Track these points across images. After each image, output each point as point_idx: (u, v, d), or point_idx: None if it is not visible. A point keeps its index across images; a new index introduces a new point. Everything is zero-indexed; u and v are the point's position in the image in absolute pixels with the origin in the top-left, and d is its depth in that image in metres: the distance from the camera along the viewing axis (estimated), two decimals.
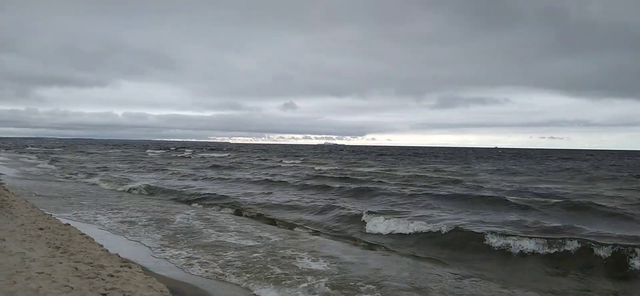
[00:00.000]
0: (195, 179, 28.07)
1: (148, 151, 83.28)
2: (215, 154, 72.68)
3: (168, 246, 10.29)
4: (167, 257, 9.39)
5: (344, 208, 15.94)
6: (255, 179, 27.36)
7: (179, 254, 9.63)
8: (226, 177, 29.47)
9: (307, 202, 18.08)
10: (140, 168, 37.61)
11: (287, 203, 17.78)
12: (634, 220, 13.73)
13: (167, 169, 35.35)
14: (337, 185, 23.52)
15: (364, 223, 13.60)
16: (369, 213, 14.37)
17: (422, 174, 33.14)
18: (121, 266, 7.15)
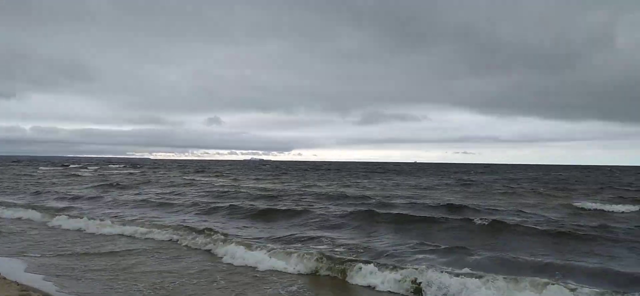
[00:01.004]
0: (73, 200, 24.29)
1: (41, 167, 74.46)
2: (123, 171, 66.39)
3: None
4: None
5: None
6: (139, 199, 24.10)
7: None
8: (100, 196, 26.01)
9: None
10: (9, 188, 32.29)
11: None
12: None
13: (49, 190, 30.38)
14: (227, 204, 21.31)
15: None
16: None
17: (328, 191, 31.48)
18: None
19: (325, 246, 12.27)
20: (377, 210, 18.50)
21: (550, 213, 19.33)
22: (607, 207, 20.84)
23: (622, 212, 19.61)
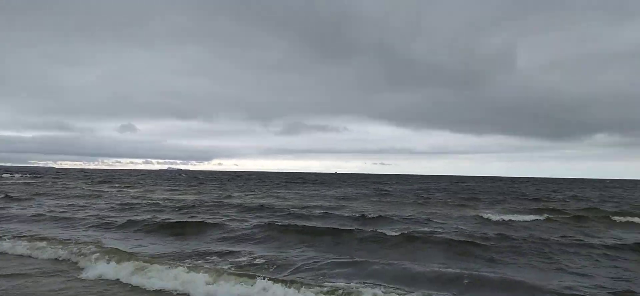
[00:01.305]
0: None
1: None
2: (19, 181, 59.46)
3: None
4: None
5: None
6: (31, 214, 21.30)
7: None
8: None
9: None
10: None
11: None
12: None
13: None
14: (134, 217, 19.57)
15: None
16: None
17: (242, 203, 30.60)
18: None
19: (239, 259, 11.55)
20: (295, 222, 18.08)
21: (459, 223, 20.14)
22: (508, 217, 22.21)
23: (522, 221, 20.97)
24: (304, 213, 23.22)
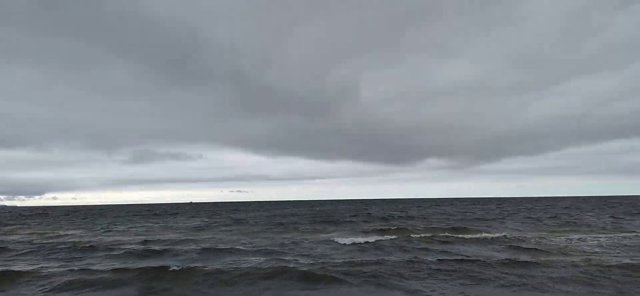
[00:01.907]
0: None
1: None
2: None
3: None
4: None
5: None
6: None
7: None
8: None
9: None
10: None
11: None
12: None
13: None
14: None
15: None
16: None
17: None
18: None
19: None
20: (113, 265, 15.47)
21: (317, 247, 19.69)
22: (359, 239, 22.68)
23: (366, 242, 21.51)
24: (138, 249, 20.38)
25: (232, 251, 19.11)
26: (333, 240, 22.88)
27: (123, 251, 20.21)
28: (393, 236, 23.99)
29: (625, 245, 19.26)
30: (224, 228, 34.52)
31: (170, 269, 14.01)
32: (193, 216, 57.36)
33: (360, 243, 21.21)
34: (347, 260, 15.60)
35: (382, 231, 27.64)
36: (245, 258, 16.84)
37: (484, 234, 25.11)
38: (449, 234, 25.22)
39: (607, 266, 13.63)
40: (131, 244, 23.28)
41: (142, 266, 14.85)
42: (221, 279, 12.89)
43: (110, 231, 34.65)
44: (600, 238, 22.62)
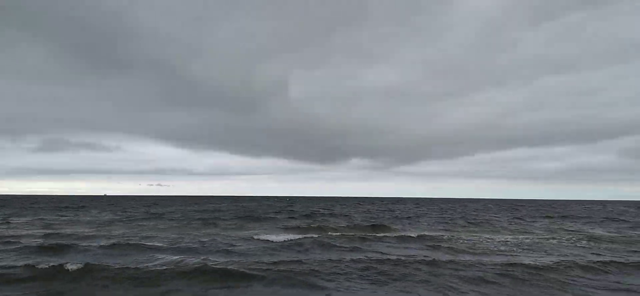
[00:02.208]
0: None
1: None
2: None
3: None
4: None
5: None
6: None
7: None
8: None
9: None
10: None
11: None
12: None
13: None
14: None
15: None
16: None
17: None
18: None
19: None
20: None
21: (238, 244, 19.15)
22: (273, 237, 22.77)
23: (287, 239, 21.38)
24: (37, 244, 18.57)
25: (145, 247, 18.03)
26: (254, 237, 22.47)
27: (20, 245, 18.34)
28: (314, 235, 24.11)
29: (527, 245, 20.93)
30: (139, 223, 32.65)
31: (70, 267, 12.80)
32: (105, 210, 53.80)
33: (282, 241, 21.02)
34: (267, 258, 15.35)
35: (304, 229, 27.69)
36: (161, 256, 15.97)
37: (401, 233, 26.08)
38: (369, 233, 25.87)
39: (510, 264, 14.65)
40: (31, 238, 21.20)
41: (37, 264, 13.46)
42: (131, 278, 12.01)
43: (8, 223, 31.38)
44: (506, 238, 24.43)
